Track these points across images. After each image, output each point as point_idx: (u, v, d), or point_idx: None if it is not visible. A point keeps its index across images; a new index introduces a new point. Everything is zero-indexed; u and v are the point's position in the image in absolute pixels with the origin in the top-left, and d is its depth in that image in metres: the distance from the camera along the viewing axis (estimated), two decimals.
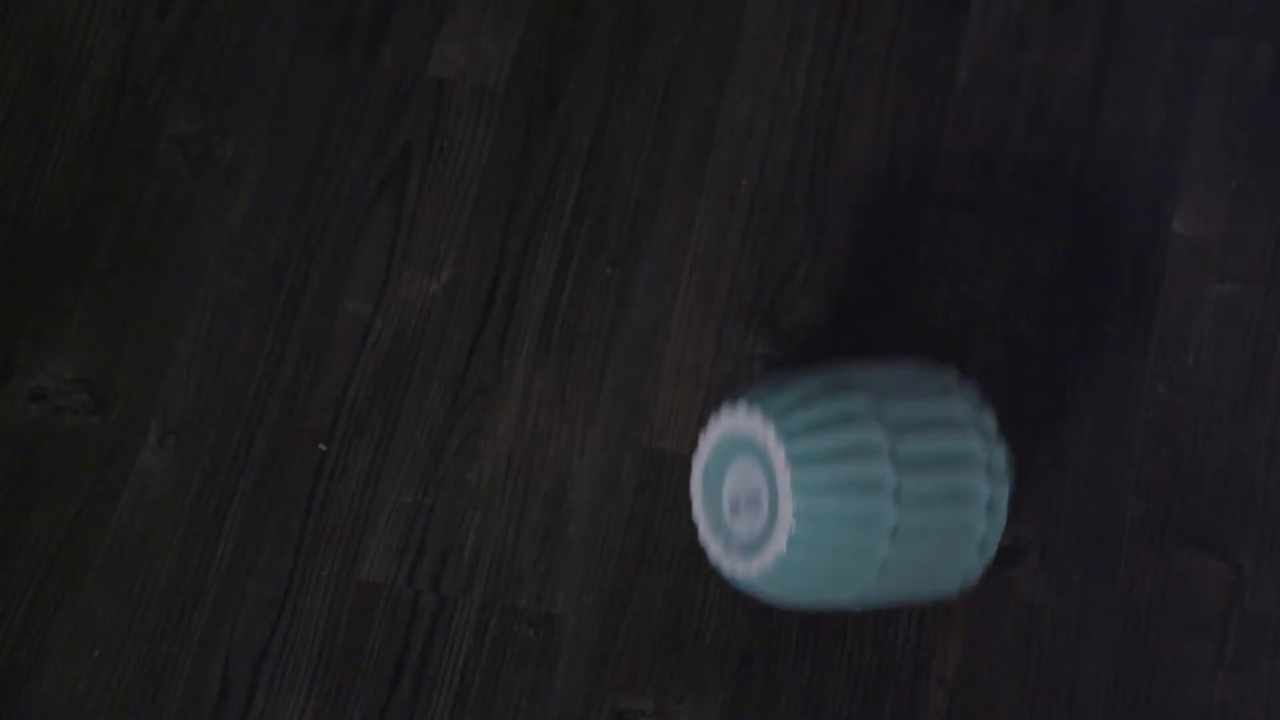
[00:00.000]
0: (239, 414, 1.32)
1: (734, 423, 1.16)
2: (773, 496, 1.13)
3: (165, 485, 1.31)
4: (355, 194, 1.38)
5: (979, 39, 1.40)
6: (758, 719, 1.24)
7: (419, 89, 1.41)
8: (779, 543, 1.13)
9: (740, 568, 1.16)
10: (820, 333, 1.33)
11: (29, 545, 1.29)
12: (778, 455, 1.13)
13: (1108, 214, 1.35)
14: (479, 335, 1.34)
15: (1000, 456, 1.16)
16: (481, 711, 1.25)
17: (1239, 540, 1.26)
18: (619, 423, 1.31)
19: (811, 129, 1.39)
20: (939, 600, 1.21)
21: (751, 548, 1.15)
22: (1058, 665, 1.24)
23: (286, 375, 1.33)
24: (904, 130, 1.38)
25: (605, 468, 1.30)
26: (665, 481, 1.29)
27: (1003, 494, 1.16)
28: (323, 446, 1.31)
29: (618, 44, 1.42)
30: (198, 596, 1.28)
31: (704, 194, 1.37)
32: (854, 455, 1.13)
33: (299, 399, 1.33)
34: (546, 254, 1.36)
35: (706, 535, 1.19)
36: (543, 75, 1.41)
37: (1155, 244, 1.34)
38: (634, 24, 1.42)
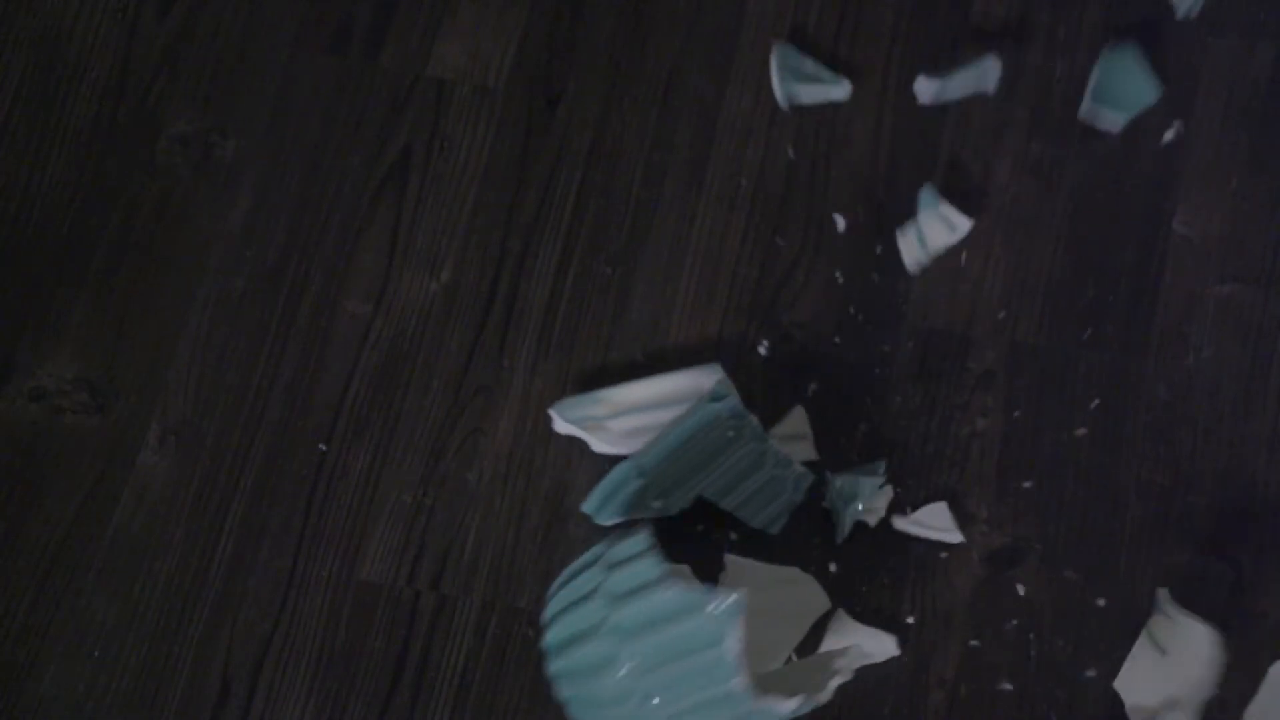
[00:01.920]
0: (239, 414, 1.32)
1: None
2: None
3: (165, 485, 1.31)
4: (355, 194, 1.38)
5: (979, 39, 1.40)
6: None
7: (419, 89, 1.41)
8: None
9: None
10: (820, 333, 1.33)
11: (29, 545, 1.29)
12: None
13: (1108, 214, 1.35)
14: (479, 335, 1.34)
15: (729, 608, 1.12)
16: (481, 711, 1.25)
17: (1239, 540, 1.26)
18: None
19: (811, 129, 1.39)
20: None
21: None
22: (1057, 665, 1.24)
23: (286, 375, 1.33)
24: (904, 130, 1.38)
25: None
26: None
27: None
28: (323, 446, 1.31)
29: (618, 44, 1.42)
30: (198, 596, 1.28)
31: (704, 194, 1.37)
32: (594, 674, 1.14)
33: (299, 399, 1.33)
34: (546, 254, 1.36)
35: None
36: (543, 75, 1.41)
37: (1155, 244, 1.34)
38: (634, 24, 1.42)
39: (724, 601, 1.09)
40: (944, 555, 1.26)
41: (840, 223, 1.31)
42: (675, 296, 1.35)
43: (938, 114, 1.38)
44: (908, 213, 1.36)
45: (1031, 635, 1.24)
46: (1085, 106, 1.36)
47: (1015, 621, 1.25)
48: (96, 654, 1.26)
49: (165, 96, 1.42)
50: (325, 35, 1.43)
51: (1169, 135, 1.34)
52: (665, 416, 1.28)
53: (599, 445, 1.29)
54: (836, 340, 1.32)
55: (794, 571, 1.25)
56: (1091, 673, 1.24)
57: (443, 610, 1.27)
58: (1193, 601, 1.24)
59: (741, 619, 1.09)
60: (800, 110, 1.38)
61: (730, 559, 1.25)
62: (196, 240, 1.37)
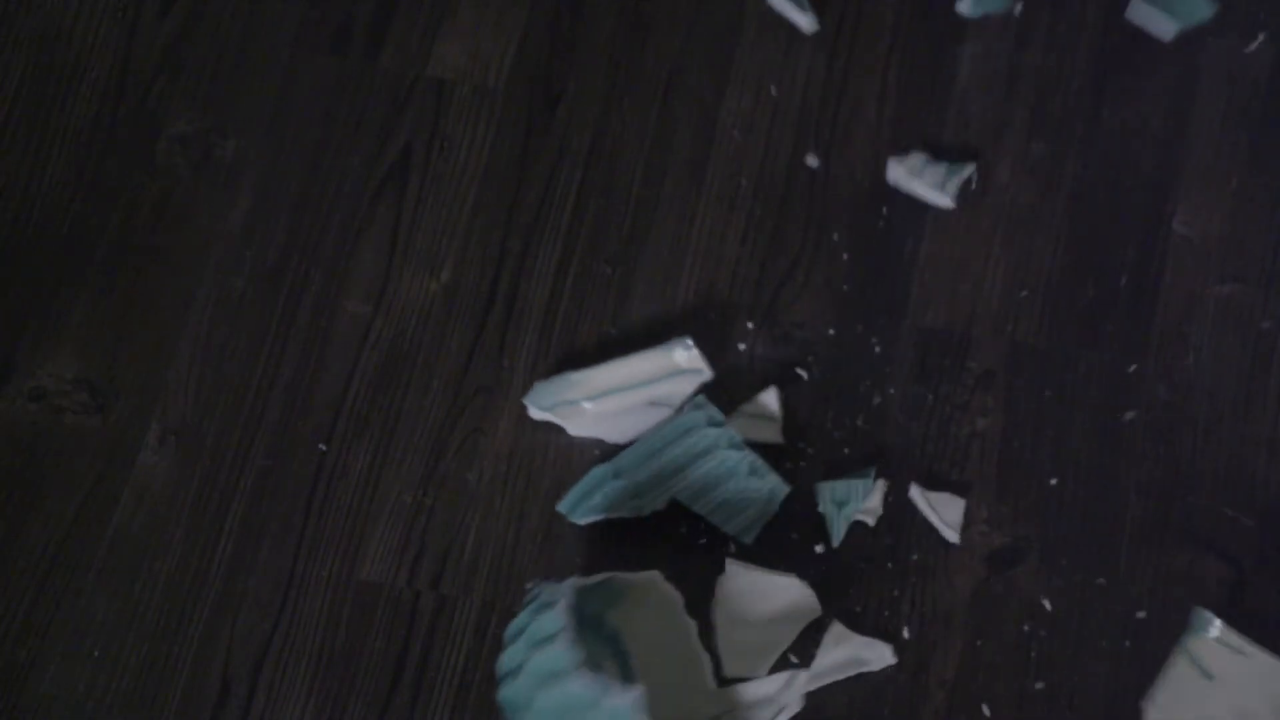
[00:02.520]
0: (239, 414, 1.32)
1: None
2: None
3: (165, 485, 1.30)
4: (355, 194, 1.38)
5: (979, 39, 1.40)
6: None
7: (419, 89, 1.41)
8: None
9: None
10: (820, 332, 1.33)
11: (29, 545, 1.29)
12: None
13: (1108, 214, 1.35)
14: (479, 335, 1.34)
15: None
16: (481, 711, 1.25)
17: (1239, 540, 1.26)
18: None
19: (811, 129, 1.39)
20: None
21: None
22: (1058, 665, 1.24)
23: (287, 375, 1.33)
24: (904, 130, 1.38)
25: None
26: None
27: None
28: (323, 446, 1.31)
29: (618, 44, 1.42)
30: (198, 596, 1.28)
31: (704, 194, 1.37)
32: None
33: (299, 399, 1.33)
34: (546, 254, 1.36)
35: None
36: (543, 75, 1.41)
37: (1155, 244, 1.34)
38: (634, 24, 1.42)
39: (622, 701, 1.12)
40: (944, 555, 1.26)
41: (813, 161, 1.33)
42: (675, 296, 1.35)
43: (938, 114, 1.38)
44: (905, 214, 1.36)
45: (1032, 635, 1.24)
46: (1134, 7, 1.36)
47: (1015, 621, 1.25)
48: (96, 654, 1.26)
49: (165, 96, 1.42)
50: (325, 35, 1.43)
51: (1252, 46, 1.34)
52: (640, 395, 1.29)
53: (575, 429, 1.29)
54: (836, 340, 1.32)
55: (790, 579, 1.25)
56: (1092, 673, 1.24)
57: (443, 610, 1.27)
58: (1192, 601, 1.24)
59: (642, 716, 1.11)
60: (804, 107, 1.38)
61: (730, 563, 1.25)
62: (196, 240, 1.37)
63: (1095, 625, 1.24)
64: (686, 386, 1.30)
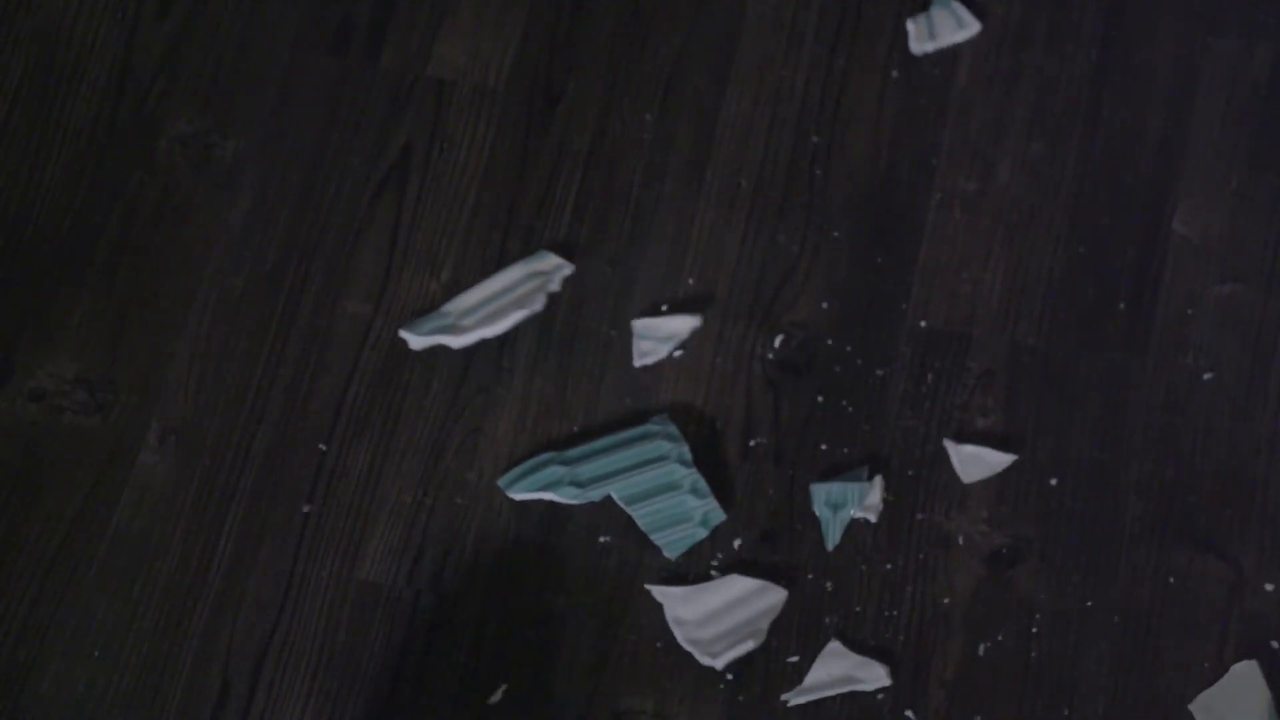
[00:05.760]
0: (239, 414, 1.32)
1: None
2: None
3: (165, 485, 1.31)
4: (355, 194, 1.38)
5: (979, 39, 1.40)
6: None
7: (419, 89, 1.41)
8: None
9: None
10: (820, 333, 1.33)
11: (29, 545, 1.29)
12: None
13: (1108, 214, 1.35)
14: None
15: None
16: (483, 712, 1.25)
17: (1239, 540, 1.26)
18: (618, 423, 1.31)
19: (811, 129, 1.39)
20: None
21: None
22: (1058, 665, 1.24)
23: (286, 375, 1.34)
24: (904, 130, 1.38)
25: None
26: None
27: None
28: (323, 446, 1.31)
29: (618, 44, 1.42)
30: (198, 596, 1.28)
31: (704, 194, 1.37)
32: None
33: (299, 399, 1.33)
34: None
35: None
36: (543, 75, 1.41)
37: (1155, 244, 1.34)
38: (634, 24, 1.43)
39: None
40: (944, 555, 1.26)
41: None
42: (675, 296, 1.35)
43: (938, 114, 1.38)
44: (905, 214, 1.36)
45: (1032, 635, 1.25)
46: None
47: (1015, 621, 1.25)
48: (96, 654, 1.26)
49: (165, 96, 1.42)
50: (325, 35, 1.43)
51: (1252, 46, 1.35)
52: (508, 299, 1.33)
53: (459, 342, 1.32)
54: (836, 340, 1.32)
55: (731, 579, 1.25)
56: (1092, 673, 1.24)
57: (443, 610, 1.27)
58: (1193, 601, 1.24)
59: None
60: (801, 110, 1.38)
61: (657, 590, 1.25)
62: (196, 240, 1.37)
63: (1095, 625, 1.25)
64: (552, 283, 1.34)
